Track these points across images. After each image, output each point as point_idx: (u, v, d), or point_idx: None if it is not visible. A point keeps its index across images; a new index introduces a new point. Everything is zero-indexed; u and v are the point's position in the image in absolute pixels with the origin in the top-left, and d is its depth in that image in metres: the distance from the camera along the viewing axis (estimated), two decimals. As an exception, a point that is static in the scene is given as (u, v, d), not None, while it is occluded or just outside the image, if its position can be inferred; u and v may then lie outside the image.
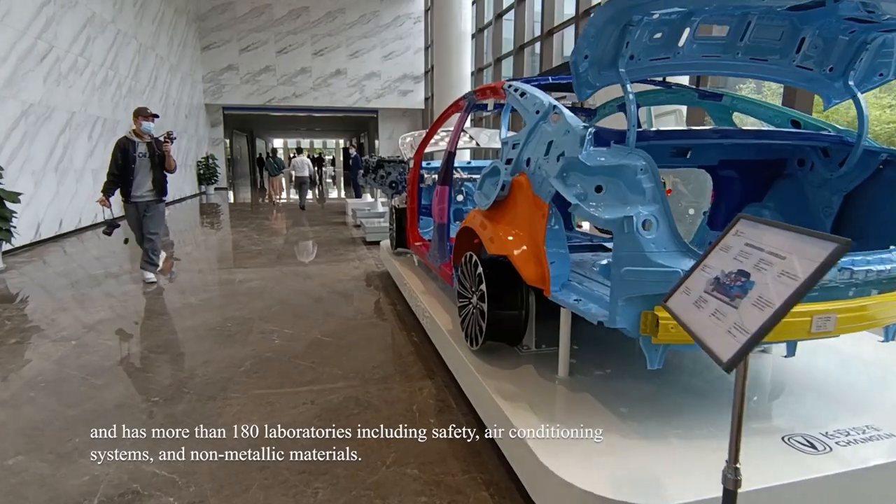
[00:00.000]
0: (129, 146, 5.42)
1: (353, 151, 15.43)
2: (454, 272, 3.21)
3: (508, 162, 2.49)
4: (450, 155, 3.67)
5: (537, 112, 2.41)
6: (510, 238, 2.33)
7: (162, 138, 5.58)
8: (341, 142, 51.84)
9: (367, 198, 13.44)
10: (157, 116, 5.67)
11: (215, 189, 20.38)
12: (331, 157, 47.75)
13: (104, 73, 11.79)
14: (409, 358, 3.66)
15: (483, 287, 2.50)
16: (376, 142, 26.36)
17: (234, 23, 20.64)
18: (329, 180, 24.55)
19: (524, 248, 2.25)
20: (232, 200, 18.31)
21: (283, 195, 19.74)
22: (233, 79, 21.13)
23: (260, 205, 16.61)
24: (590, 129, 2.02)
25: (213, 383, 3.21)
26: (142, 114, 5.49)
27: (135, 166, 5.42)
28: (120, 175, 5.43)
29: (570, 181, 2.00)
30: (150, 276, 5.79)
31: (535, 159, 2.29)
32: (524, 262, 2.21)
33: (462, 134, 5.99)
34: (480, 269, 2.55)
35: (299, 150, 20.46)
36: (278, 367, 3.46)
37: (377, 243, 8.33)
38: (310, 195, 15.98)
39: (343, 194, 22.61)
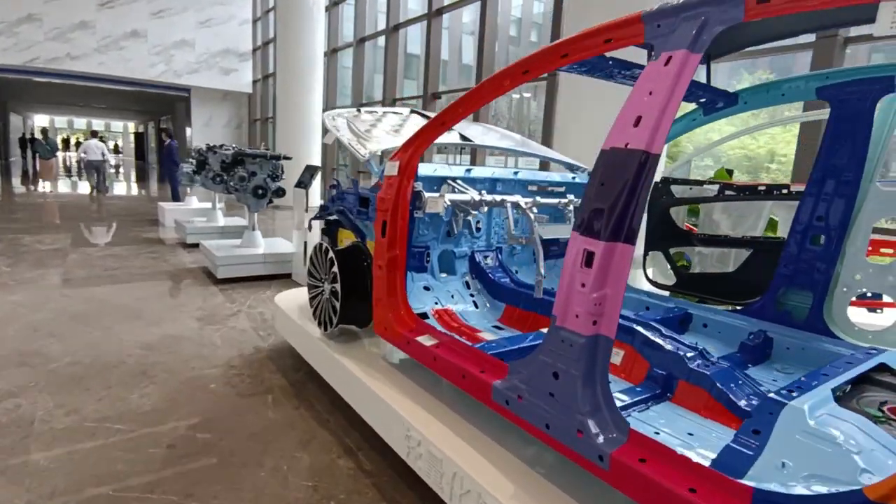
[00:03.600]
0: None
1: (166, 138, 11.38)
2: None
3: None
4: (646, 163, 1.36)
5: None
6: None
7: None
8: (131, 125, 42.80)
9: (194, 202, 9.82)
10: None
11: (-68, 178, 13.83)
12: (113, 144, 38.92)
13: None
14: None
15: None
16: (188, 129, 21.48)
17: (-34, -59, 14.35)
18: (111, 170, 19.34)
19: None
20: (-39, 197, 12.43)
21: (52, 184, 14.37)
22: (-34, 22, 14.70)
23: (16, 203, 11.38)
24: None
25: None
26: None
27: None
28: None
29: None
30: None
31: None
32: None
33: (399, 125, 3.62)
34: None
35: (93, 134, 15.29)
36: None
37: (238, 281, 5.40)
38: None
39: (135, 190, 17.55)
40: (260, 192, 5.69)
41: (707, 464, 1.31)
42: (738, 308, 2.80)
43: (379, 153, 2.75)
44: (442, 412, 2.11)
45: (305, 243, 5.50)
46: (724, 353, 2.44)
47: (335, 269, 2.73)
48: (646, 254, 3.49)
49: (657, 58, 1.44)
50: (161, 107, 25.52)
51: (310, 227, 3.57)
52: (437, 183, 2.77)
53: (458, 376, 1.98)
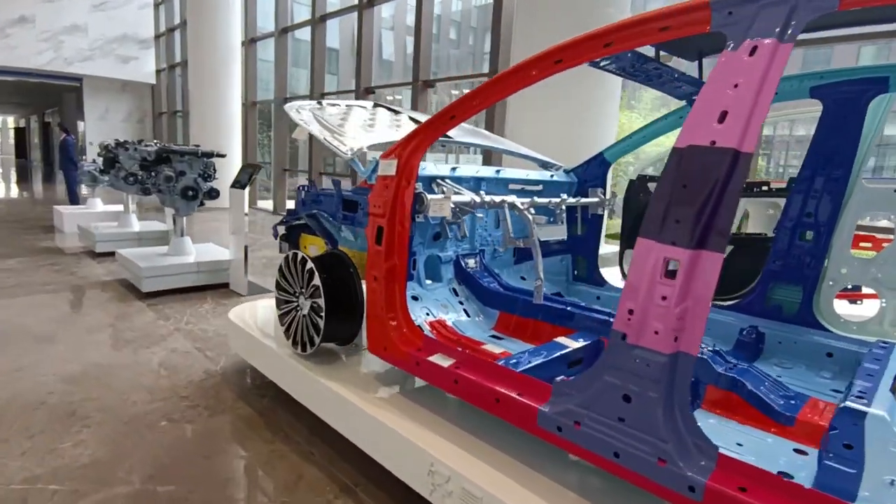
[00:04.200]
0: None
1: (61, 133, 10.04)
2: None
3: None
4: (737, 162, 1.21)
5: None
6: None
7: None
8: (10, 119, 38.00)
9: (98, 205, 8.75)
10: None
11: None
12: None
13: None
14: None
15: None
16: (80, 123, 19.32)
17: None
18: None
19: None
20: None
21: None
22: None
23: None
24: None
25: None
26: None
27: None
28: None
29: None
30: None
31: None
32: None
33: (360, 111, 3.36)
34: None
35: None
36: None
37: (166, 294, 4.83)
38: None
39: (17, 192, 15.58)
40: (190, 193, 5.10)
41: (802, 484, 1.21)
42: (726, 304, 2.83)
43: (365, 150, 2.46)
44: (466, 440, 1.89)
45: (246, 248, 5.01)
46: (721, 350, 2.43)
47: (316, 281, 2.40)
48: (622, 252, 3.47)
49: (735, 47, 1.32)
50: (47, 98, 22.76)
51: (275, 235, 3.17)
52: (425, 182, 2.53)
53: (491, 401, 1.77)
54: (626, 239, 3.42)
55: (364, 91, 9.81)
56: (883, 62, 2.32)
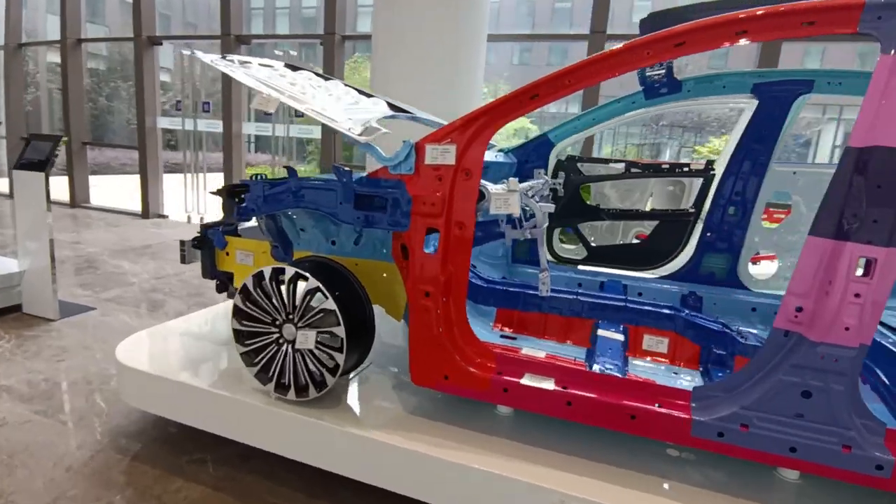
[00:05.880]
0: None
1: None
2: None
3: None
4: None
5: None
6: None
7: None
8: None
9: None
10: None
11: None
12: None
13: None
14: None
15: None
16: None
17: None
18: None
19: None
20: None
21: None
22: None
23: None
24: None
25: None
26: None
27: None
28: None
29: None
30: None
31: None
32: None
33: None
34: None
35: None
36: None
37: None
38: None
39: None
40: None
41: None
42: (665, 273, 3.15)
43: (380, 129, 1.92)
44: (582, 465, 1.69)
45: (52, 255, 3.61)
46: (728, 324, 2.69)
47: (328, 305, 1.82)
48: (551, 231, 3.56)
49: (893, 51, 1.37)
50: None
51: (218, 242, 2.28)
52: None
53: (623, 418, 1.60)
54: (557, 218, 3.51)
55: (147, 40, 7.91)
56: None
